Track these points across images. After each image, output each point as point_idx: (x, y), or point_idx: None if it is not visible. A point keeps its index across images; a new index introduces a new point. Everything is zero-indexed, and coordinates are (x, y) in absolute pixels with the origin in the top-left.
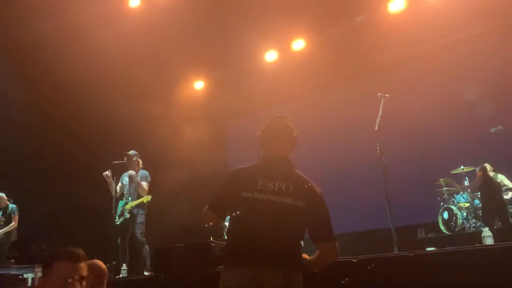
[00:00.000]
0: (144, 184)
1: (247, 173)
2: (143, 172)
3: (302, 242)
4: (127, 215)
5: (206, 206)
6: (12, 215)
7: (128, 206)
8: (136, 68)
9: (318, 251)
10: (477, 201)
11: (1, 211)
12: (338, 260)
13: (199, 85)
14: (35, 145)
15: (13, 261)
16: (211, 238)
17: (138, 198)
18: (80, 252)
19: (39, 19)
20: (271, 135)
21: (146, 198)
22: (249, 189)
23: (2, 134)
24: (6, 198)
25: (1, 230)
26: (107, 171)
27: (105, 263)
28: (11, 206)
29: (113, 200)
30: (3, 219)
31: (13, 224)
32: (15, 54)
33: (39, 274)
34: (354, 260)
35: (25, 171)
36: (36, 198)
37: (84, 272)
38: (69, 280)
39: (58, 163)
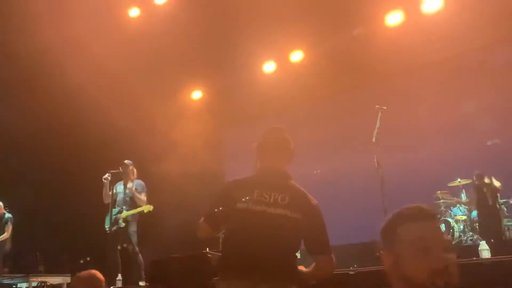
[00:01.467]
0: (143, 195)
1: (243, 185)
2: (138, 182)
3: (298, 254)
4: (122, 224)
5: (202, 218)
6: (6, 225)
7: (123, 215)
8: (134, 78)
9: (314, 264)
10: (474, 214)
11: None
12: (334, 272)
13: (197, 95)
14: (32, 155)
15: (6, 269)
16: (207, 249)
17: (133, 208)
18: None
19: (38, 30)
20: (267, 147)
21: (148, 208)
22: (245, 200)
23: (0, 143)
24: (3, 206)
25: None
26: (107, 174)
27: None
28: (7, 215)
29: (110, 209)
30: None
31: (6, 234)
32: (15, 64)
33: (33, 284)
34: (351, 273)
35: (22, 180)
36: (32, 207)
37: None
38: None
39: (55, 172)
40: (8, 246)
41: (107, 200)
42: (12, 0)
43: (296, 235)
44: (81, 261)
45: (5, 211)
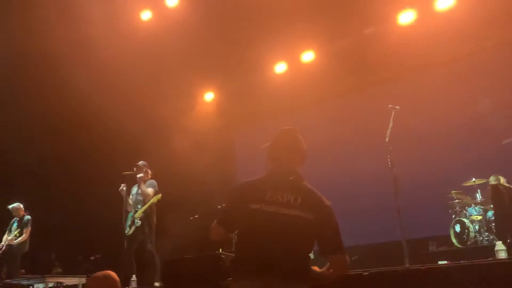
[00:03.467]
0: (150, 190)
1: (255, 186)
2: (151, 181)
3: (311, 255)
4: (138, 222)
5: (215, 221)
6: (25, 227)
7: (137, 214)
8: (147, 80)
9: (328, 264)
10: (489, 214)
11: (17, 222)
12: (348, 273)
13: (209, 96)
14: (45, 157)
15: (23, 271)
16: (220, 250)
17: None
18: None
19: (51, 33)
20: (279, 148)
21: (157, 197)
22: (258, 201)
23: (13, 145)
24: (23, 208)
25: (14, 242)
26: (122, 186)
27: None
28: (26, 217)
29: (123, 211)
30: (18, 230)
31: (24, 236)
32: (28, 66)
33: (50, 285)
34: (365, 274)
35: (35, 182)
36: (46, 208)
37: None
38: None
39: (68, 174)
40: (26, 247)
41: (130, 208)
42: (25, 5)
43: (309, 235)
44: (92, 258)
45: (24, 213)
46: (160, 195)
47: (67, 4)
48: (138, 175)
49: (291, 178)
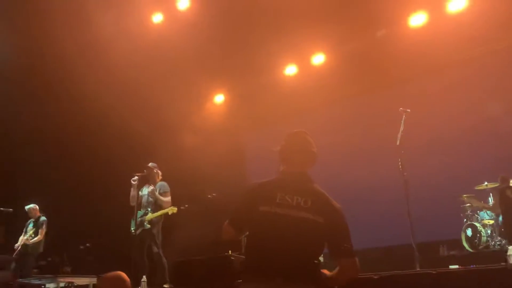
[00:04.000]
0: (167, 197)
1: (265, 188)
2: (162, 184)
3: (321, 258)
4: (147, 226)
5: (226, 221)
6: (40, 228)
7: (148, 217)
8: (158, 82)
9: (338, 267)
10: (501, 218)
11: (32, 222)
12: (358, 276)
13: (219, 98)
14: (56, 157)
15: (35, 271)
16: (230, 251)
17: (158, 210)
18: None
19: (65, 35)
20: (290, 150)
21: (172, 210)
22: (268, 203)
23: (25, 145)
24: (38, 209)
25: (30, 241)
26: (136, 177)
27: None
28: (42, 218)
29: (135, 211)
30: (33, 230)
31: (40, 236)
32: (40, 68)
33: (61, 285)
34: (375, 277)
35: (46, 182)
36: (58, 209)
37: None
38: None
39: (79, 175)
40: (41, 248)
41: (133, 203)
42: (38, 9)
43: (318, 238)
44: (81, 247)
45: (40, 214)
46: (175, 208)
47: (81, 7)
48: (150, 189)
49: (301, 180)
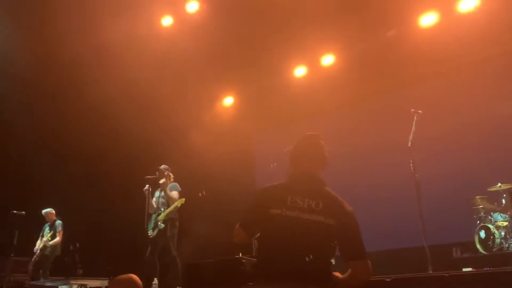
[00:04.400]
0: (174, 193)
1: (276, 190)
2: (173, 184)
3: (333, 260)
4: (161, 226)
5: (238, 224)
6: (57, 231)
7: (161, 217)
8: (167, 84)
9: (350, 270)
10: None
11: (49, 226)
12: (370, 279)
13: (228, 100)
14: (69, 159)
15: (48, 272)
16: (240, 254)
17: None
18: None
19: (77, 39)
20: (302, 153)
21: (180, 201)
22: (278, 206)
23: (38, 149)
24: (54, 213)
25: (48, 244)
26: (147, 186)
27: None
28: (58, 222)
29: (146, 214)
30: (50, 233)
31: (57, 239)
32: (54, 72)
33: (73, 287)
34: (387, 280)
35: (59, 185)
36: (69, 211)
37: None
38: None
39: (91, 178)
40: (58, 250)
41: (152, 210)
42: (51, 13)
43: (330, 241)
44: (71, 247)
45: (55, 218)
46: (183, 199)
47: (92, 12)
48: (161, 181)
49: (312, 182)
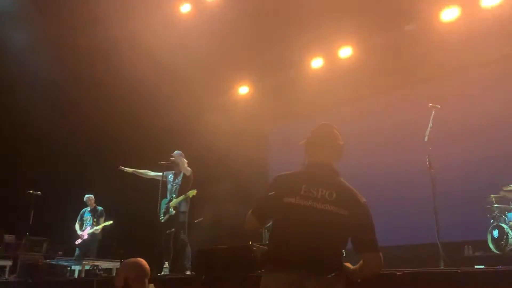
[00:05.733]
0: (186, 163)
1: (290, 179)
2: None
3: (344, 251)
4: (172, 212)
5: (250, 211)
6: (101, 217)
7: (172, 203)
8: (183, 72)
9: (361, 261)
10: None
11: (89, 212)
12: (381, 272)
13: (243, 90)
14: (86, 147)
15: (60, 253)
16: (250, 242)
17: (181, 195)
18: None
19: (99, 28)
20: (316, 142)
21: (192, 193)
22: (292, 194)
23: (59, 134)
24: (94, 199)
25: (95, 227)
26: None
27: (148, 262)
28: (100, 208)
29: (159, 200)
30: (93, 219)
31: (101, 226)
32: (78, 60)
33: (86, 267)
34: (398, 273)
35: (75, 168)
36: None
37: None
38: None
39: (107, 161)
40: (100, 234)
41: (164, 196)
42: (71, 3)
43: (343, 231)
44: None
45: (96, 204)
46: (195, 191)
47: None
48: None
49: (326, 173)
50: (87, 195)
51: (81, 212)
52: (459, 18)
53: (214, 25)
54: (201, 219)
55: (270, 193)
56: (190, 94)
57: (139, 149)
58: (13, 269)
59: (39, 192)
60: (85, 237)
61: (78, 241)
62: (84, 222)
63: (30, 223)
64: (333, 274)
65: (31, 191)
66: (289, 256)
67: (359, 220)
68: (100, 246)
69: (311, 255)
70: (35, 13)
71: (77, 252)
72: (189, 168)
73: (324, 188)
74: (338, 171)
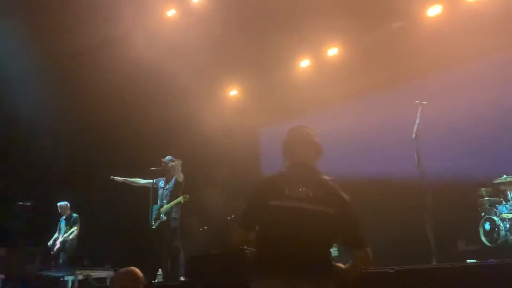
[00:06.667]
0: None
1: (273, 182)
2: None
3: (336, 251)
4: (164, 218)
5: (236, 224)
6: (74, 225)
7: (163, 209)
8: (172, 76)
9: (352, 260)
10: None
11: (64, 220)
12: (374, 271)
13: (233, 92)
14: (76, 152)
15: (53, 263)
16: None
17: (172, 200)
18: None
19: (81, 31)
20: (293, 143)
21: (184, 198)
22: (277, 197)
23: (44, 140)
24: (69, 207)
25: (69, 237)
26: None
27: (141, 270)
28: (74, 215)
29: (150, 206)
30: (67, 227)
31: (75, 233)
32: (60, 64)
33: (79, 277)
34: (390, 271)
35: (66, 178)
36: (76, 203)
37: None
38: None
39: (99, 168)
40: (75, 243)
41: (155, 202)
42: (54, 4)
43: (329, 230)
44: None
45: (70, 211)
46: (187, 195)
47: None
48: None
49: (308, 172)
50: (59, 203)
51: (60, 221)
52: (443, 14)
53: (200, 28)
54: (205, 227)
55: (254, 199)
56: (180, 97)
57: (129, 155)
58: (6, 282)
59: (29, 203)
60: (58, 245)
61: (54, 250)
62: (61, 231)
63: (21, 234)
64: (324, 274)
65: (21, 203)
66: (277, 260)
67: (345, 218)
68: (92, 254)
69: (299, 257)
70: (20, 12)
71: (60, 261)
72: (181, 174)
73: (308, 187)
74: (319, 170)
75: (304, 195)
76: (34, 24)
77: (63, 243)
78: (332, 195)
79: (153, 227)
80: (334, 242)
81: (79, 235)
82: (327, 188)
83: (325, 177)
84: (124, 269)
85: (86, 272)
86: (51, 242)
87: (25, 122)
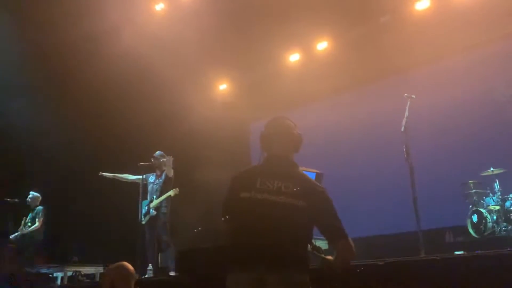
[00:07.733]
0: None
1: (247, 175)
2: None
3: (325, 245)
4: (153, 212)
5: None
6: (37, 218)
7: (153, 204)
8: (161, 70)
9: (335, 251)
10: (508, 204)
11: (31, 212)
12: (364, 263)
13: (223, 87)
14: (62, 146)
15: (42, 260)
16: None
17: (162, 195)
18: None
19: (68, 25)
20: (270, 135)
21: (174, 191)
22: (247, 189)
23: (32, 136)
24: (40, 199)
25: (26, 230)
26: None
27: (132, 265)
28: (38, 208)
29: (139, 201)
30: (30, 220)
31: (36, 226)
32: (46, 58)
33: (68, 274)
34: (380, 263)
35: (52, 172)
36: (66, 198)
37: None
38: None
39: (86, 164)
40: (40, 236)
41: (144, 197)
42: None
43: (303, 223)
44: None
45: (38, 204)
46: (177, 189)
47: None
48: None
49: (283, 165)
50: (30, 194)
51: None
52: (431, 7)
53: (189, 22)
54: (199, 228)
55: (229, 194)
56: (169, 91)
57: (117, 150)
58: None
59: (16, 200)
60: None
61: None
62: (26, 225)
63: (9, 231)
64: (294, 267)
65: (8, 199)
66: (247, 253)
67: (320, 210)
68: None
69: (269, 249)
70: (7, 6)
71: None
72: (172, 170)
73: (280, 180)
74: (295, 162)
75: (275, 188)
76: (20, 18)
77: (22, 236)
78: (305, 187)
79: (143, 222)
80: (310, 236)
81: (47, 229)
82: (300, 181)
83: (300, 169)
84: (115, 264)
85: (75, 268)
86: (13, 236)
87: (9, 117)
